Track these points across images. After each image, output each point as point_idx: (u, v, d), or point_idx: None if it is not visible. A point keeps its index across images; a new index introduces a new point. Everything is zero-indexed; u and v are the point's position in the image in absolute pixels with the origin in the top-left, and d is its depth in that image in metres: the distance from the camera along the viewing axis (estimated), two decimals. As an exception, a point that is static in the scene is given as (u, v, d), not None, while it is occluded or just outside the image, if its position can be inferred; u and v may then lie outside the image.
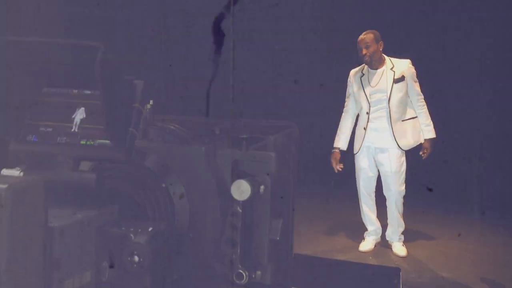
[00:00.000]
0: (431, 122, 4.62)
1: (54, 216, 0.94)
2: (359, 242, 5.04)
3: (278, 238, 1.28)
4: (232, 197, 1.21)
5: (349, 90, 4.94)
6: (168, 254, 1.18)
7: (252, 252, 1.27)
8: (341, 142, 4.78)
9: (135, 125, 1.04)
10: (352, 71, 4.95)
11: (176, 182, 1.28)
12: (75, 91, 1.06)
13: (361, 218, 5.10)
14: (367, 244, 5.06)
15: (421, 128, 4.66)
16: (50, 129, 1.06)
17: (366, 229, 5.10)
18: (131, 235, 0.97)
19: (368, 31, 4.72)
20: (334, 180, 5.94)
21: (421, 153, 4.61)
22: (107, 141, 1.02)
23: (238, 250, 1.22)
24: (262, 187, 1.23)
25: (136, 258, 0.96)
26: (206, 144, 1.32)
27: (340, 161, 4.85)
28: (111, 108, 0.99)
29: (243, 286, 1.23)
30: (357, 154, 4.87)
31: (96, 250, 0.99)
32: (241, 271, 1.21)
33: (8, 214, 0.79)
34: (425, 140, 4.62)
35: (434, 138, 4.62)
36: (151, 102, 1.34)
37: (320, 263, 3.67)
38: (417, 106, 4.69)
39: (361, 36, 4.78)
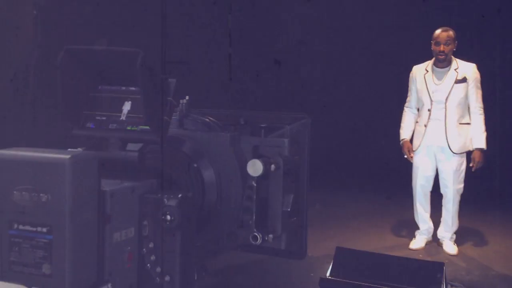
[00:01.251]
0: (485, 133, 4.62)
1: (106, 183, 1.27)
2: (410, 240, 5.22)
3: (289, 210, 1.57)
4: (248, 174, 1.52)
5: (411, 86, 5.07)
6: (199, 221, 1.50)
7: (268, 220, 1.58)
8: (407, 133, 4.89)
9: (168, 114, 1.36)
10: (415, 67, 5.06)
11: (206, 163, 1.61)
12: (123, 88, 1.40)
13: (413, 216, 5.26)
14: (418, 242, 5.21)
15: (472, 136, 4.64)
16: (104, 118, 1.41)
17: (417, 228, 5.26)
18: (165, 199, 1.29)
19: (446, 27, 4.76)
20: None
21: (470, 164, 4.62)
22: (147, 127, 1.35)
23: (254, 217, 1.53)
24: (273, 166, 1.53)
25: (168, 217, 1.28)
26: (232, 132, 1.65)
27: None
28: (149, 101, 1.32)
29: (258, 246, 1.54)
30: (416, 151, 5.01)
31: (138, 211, 1.32)
32: (255, 233, 1.52)
33: (70, 178, 1.12)
34: (474, 150, 4.58)
35: (483, 149, 4.60)
36: (187, 97, 1.67)
37: (363, 256, 3.88)
38: (473, 113, 4.75)
39: (441, 32, 4.81)
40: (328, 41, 7.39)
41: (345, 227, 5.81)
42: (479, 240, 5.24)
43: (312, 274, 4.48)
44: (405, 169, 5.17)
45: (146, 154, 1.41)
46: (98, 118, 1.42)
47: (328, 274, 3.89)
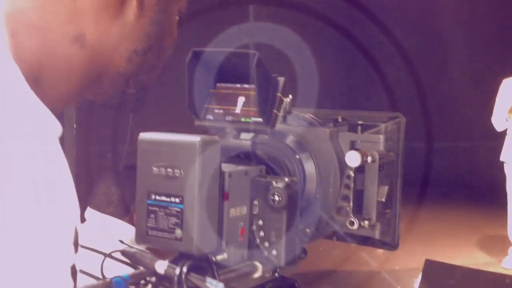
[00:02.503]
0: None
1: (224, 166, 1.56)
2: (503, 258, 5.25)
3: (384, 200, 1.81)
4: (346, 165, 1.77)
5: (500, 98, 5.18)
6: (300, 208, 1.76)
7: (363, 209, 1.82)
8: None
9: (277, 108, 1.64)
10: (506, 80, 5.19)
11: (307, 155, 1.88)
12: (238, 85, 1.70)
13: (507, 232, 5.30)
14: (511, 260, 5.24)
15: None
16: (221, 111, 1.71)
17: (511, 244, 5.29)
18: (273, 182, 1.56)
19: None
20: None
21: None
22: (259, 119, 1.64)
23: (351, 204, 1.78)
24: (370, 158, 1.78)
25: (277, 198, 1.55)
26: (330, 128, 1.91)
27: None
28: (262, 97, 1.61)
29: (353, 235, 1.79)
30: (507, 164, 5.08)
31: (250, 192, 1.60)
32: (352, 219, 1.77)
33: (199, 157, 1.42)
34: None
35: None
36: (290, 96, 1.95)
37: (453, 269, 4.02)
38: None
39: None
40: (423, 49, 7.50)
41: (434, 242, 5.91)
42: None
43: (398, 287, 4.63)
44: (499, 181, 5.23)
45: (257, 143, 1.69)
46: (216, 111, 1.73)
47: (416, 286, 4.05)
